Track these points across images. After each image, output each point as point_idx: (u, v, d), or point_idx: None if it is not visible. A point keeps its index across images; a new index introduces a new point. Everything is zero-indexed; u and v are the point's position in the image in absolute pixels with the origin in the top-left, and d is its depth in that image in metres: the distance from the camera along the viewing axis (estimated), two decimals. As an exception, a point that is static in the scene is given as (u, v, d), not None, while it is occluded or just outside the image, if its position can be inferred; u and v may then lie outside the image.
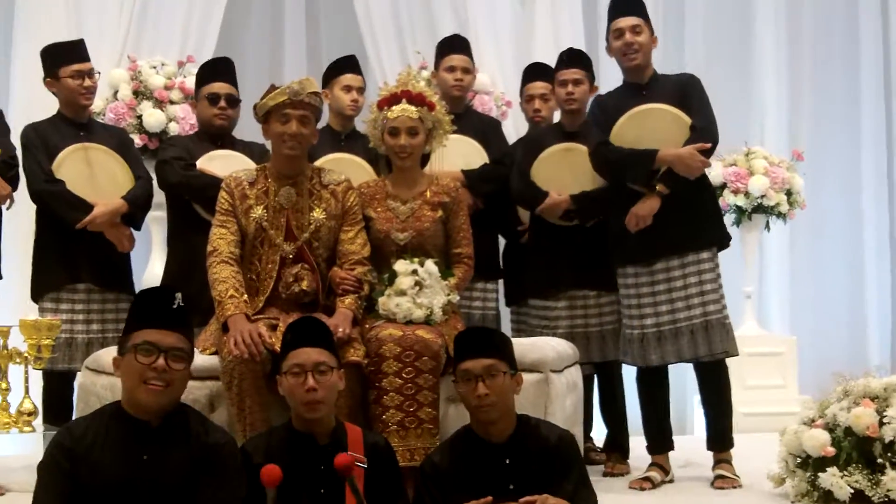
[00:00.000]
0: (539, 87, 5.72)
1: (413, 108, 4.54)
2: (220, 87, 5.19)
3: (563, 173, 5.29)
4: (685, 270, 4.99)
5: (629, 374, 5.32)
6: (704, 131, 4.98)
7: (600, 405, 5.56)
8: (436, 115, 4.60)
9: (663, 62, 5.66)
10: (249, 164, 4.93)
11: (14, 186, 5.11)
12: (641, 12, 5.14)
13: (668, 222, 4.97)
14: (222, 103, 5.17)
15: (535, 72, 5.81)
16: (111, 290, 5.18)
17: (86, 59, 5.24)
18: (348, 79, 5.43)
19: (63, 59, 5.21)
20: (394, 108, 4.55)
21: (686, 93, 5.07)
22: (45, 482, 3.24)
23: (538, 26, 7.41)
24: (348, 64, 5.55)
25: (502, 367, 3.74)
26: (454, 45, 5.72)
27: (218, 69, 5.30)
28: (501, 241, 5.69)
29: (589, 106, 5.33)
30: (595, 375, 5.49)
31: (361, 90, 5.47)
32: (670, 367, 5.16)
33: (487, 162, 5.38)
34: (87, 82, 5.21)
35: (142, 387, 3.27)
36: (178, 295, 3.40)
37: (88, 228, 5.04)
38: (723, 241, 5.12)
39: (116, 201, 5.10)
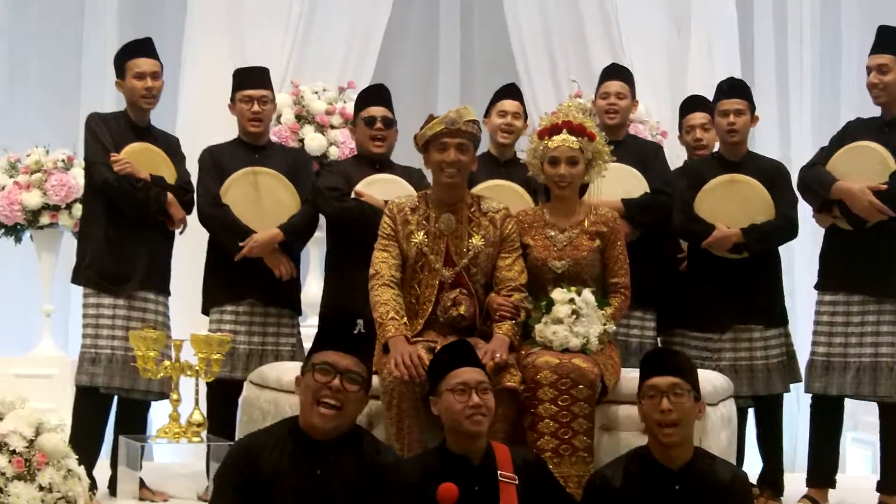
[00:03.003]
0: (699, 117, 5.71)
1: (574, 138, 4.58)
2: (375, 110, 5.30)
3: (730, 205, 5.22)
4: (865, 308, 4.97)
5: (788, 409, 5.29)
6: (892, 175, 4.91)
7: (758, 439, 5.49)
8: (596, 146, 4.63)
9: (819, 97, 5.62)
10: (408, 189, 5.05)
11: (188, 211, 5.30)
12: (891, 48, 5.09)
13: (861, 260, 4.98)
14: (378, 125, 5.27)
15: (693, 103, 5.81)
16: (274, 306, 5.34)
17: (259, 86, 5.38)
18: (505, 104, 5.50)
19: (237, 83, 5.41)
20: (554, 138, 4.60)
21: None
22: (223, 491, 3.38)
23: (693, 55, 7.39)
24: (509, 90, 5.63)
25: (688, 387, 3.77)
26: (609, 72, 5.76)
27: (374, 94, 5.44)
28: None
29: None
30: (751, 409, 5.45)
31: (517, 115, 5.51)
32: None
33: (647, 191, 5.33)
34: (256, 108, 5.34)
35: (315, 408, 3.38)
36: (360, 322, 3.54)
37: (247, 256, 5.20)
38: None
39: (272, 231, 5.21)
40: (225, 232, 5.26)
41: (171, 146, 5.40)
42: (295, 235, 5.34)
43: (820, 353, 5.05)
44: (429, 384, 3.94)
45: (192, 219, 5.34)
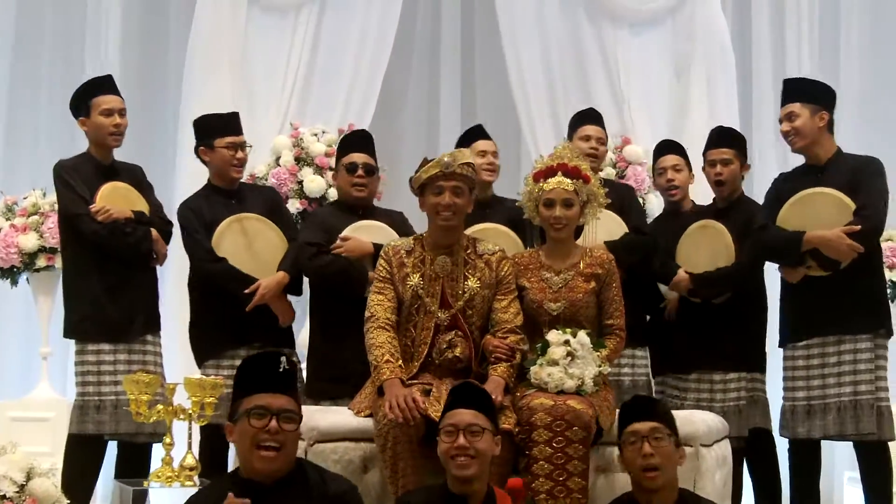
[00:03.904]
0: (670, 159, 5.74)
1: (569, 180, 4.60)
2: (357, 156, 5.30)
3: (700, 251, 5.35)
4: (841, 348, 4.95)
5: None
6: (863, 214, 4.93)
7: (753, 481, 5.50)
8: (591, 188, 4.65)
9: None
10: (392, 235, 5.07)
11: (167, 242, 5.32)
12: (795, 97, 5.15)
13: (829, 303, 4.97)
14: (360, 172, 5.27)
15: (663, 147, 5.86)
16: (273, 347, 5.32)
17: (240, 132, 5.39)
18: (482, 145, 5.51)
19: (220, 130, 5.36)
20: (550, 180, 4.62)
21: (858, 178, 5.02)
22: None
23: (693, 99, 7.42)
24: (478, 131, 5.64)
25: (667, 431, 3.84)
26: (588, 116, 5.78)
27: (356, 140, 5.45)
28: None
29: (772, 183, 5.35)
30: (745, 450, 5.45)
31: (496, 153, 5.55)
32: (823, 443, 5.10)
33: (627, 231, 5.38)
34: (240, 154, 5.35)
35: (256, 452, 3.36)
36: (283, 359, 3.49)
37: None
38: (880, 328, 5.03)
39: (278, 275, 5.22)
40: (232, 283, 5.21)
41: (137, 179, 5.39)
42: (296, 272, 5.31)
43: (800, 398, 5.04)
44: (426, 428, 3.99)
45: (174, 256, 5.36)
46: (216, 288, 5.26)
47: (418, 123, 8.17)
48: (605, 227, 5.26)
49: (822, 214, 4.99)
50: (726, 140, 5.46)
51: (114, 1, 7.53)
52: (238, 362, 5.13)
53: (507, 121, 7.62)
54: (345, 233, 5.17)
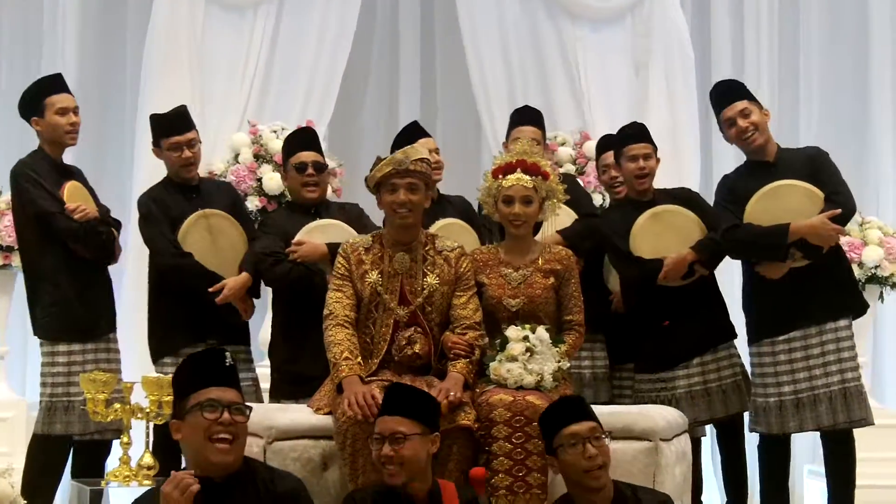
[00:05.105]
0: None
1: (528, 177, 4.60)
2: (305, 155, 5.28)
3: (665, 238, 5.27)
4: (823, 338, 4.99)
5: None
6: (836, 199, 5.02)
7: (723, 473, 5.52)
8: (550, 185, 4.65)
9: (778, 132, 5.67)
10: (348, 231, 5.07)
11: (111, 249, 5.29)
12: (744, 95, 5.19)
13: (806, 293, 5.01)
14: (310, 171, 5.25)
15: (607, 143, 5.83)
16: (231, 344, 5.27)
17: (185, 130, 5.31)
18: (423, 142, 5.49)
19: (164, 131, 5.32)
20: (509, 177, 4.62)
21: (816, 166, 5.11)
22: None
23: (652, 95, 7.45)
24: (415, 130, 5.66)
25: (602, 430, 3.83)
26: (524, 116, 5.81)
27: (302, 139, 5.42)
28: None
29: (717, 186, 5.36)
30: (711, 438, 5.46)
31: (437, 150, 5.56)
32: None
33: (577, 218, 5.38)
34: (187, 153, 5.28)
35: (210, 445, 3.38)
36: (228, 354, 3.54)
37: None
38: (860, 308, 5.18)
39: (242, 276, 5.21)
40: (196, 279, 5.20)
41: (84, 179, 5.38)
42: (257, 276, 5.29)
43: (787, 393, 5.06)
44: None
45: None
46: (177, 282, 5.23)
47: (378, 121, 8.16)
48: (559, 219, 5.28)
49: (792, 206, 5.03)
50: (645, 136, 5.45)
51: (71, -1, 7.48)
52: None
53: (468, 117, 7.63)
54: (298, 236, 5.15)
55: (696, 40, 7.75)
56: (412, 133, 5.56)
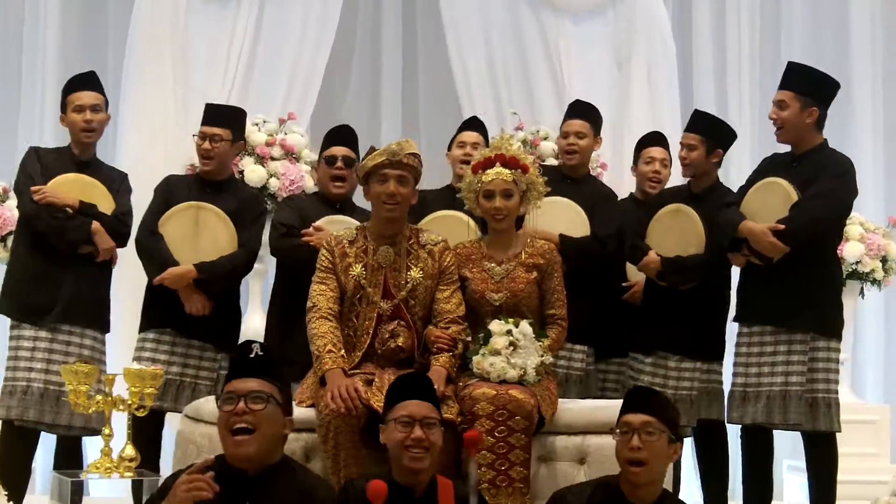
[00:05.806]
0: (657, 152, 5.86)
1: (507, 171, 4.61)
2: (337, 149, 5.34)
3: (670, 235, 5.33)
4: (777, 338, 4.99)
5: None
6: (791, 214, 4.93)
7: (701, 471, 5.56)
8: (529, 178, 4.66)
9: (759, 125, 5.67)
10: None
11: (122, 243, 5.29)
12: (790, 85, 5.12)
13: (770, 293, 5.00)
14: (339, 164, 5.28)
15: (653, 139, 5.97)
16: (196, 339, 5.30)
17: (209, 123, 5.36)
18: (464, 136, 5.56)
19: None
20: (488, 171, 4.63)
21: (819, 173, 5.00)
22: None
23: (634, 88, 7.46)
24: (470, 122, 5.80)
25: (662, 427, 3.75)
26: (572, 110, 5.88)
27: (337, 134, 5.46)
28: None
29: None
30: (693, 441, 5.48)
31: (476, 145, 5.57)
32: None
33: (587, 234, 5.39)
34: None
35: (229, 438, 3.40)
36: (255, 345, 3.55)
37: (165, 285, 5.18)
38: (823, 330, 4.99)
39: (186, 267, 5.17)
40: (148, 260, 5.26)
41: (112, 179, 5.37)
42: (208, 277, 5.22)
43: (738, 384, 5.11)
44: (368, 418, 3.97)
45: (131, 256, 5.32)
46: (140, 257, 5.29)
47: (360, 114, 8.10)
48: (566, 216, 5.32)
49: (770, 205, 5.01)
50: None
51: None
52: (161, 344, 5.23)
53: (449, 111, 7.61)
54: (319, 223, 5.16)
55: (677, 33, 7.76)
56: (467, 125, 5.82)
